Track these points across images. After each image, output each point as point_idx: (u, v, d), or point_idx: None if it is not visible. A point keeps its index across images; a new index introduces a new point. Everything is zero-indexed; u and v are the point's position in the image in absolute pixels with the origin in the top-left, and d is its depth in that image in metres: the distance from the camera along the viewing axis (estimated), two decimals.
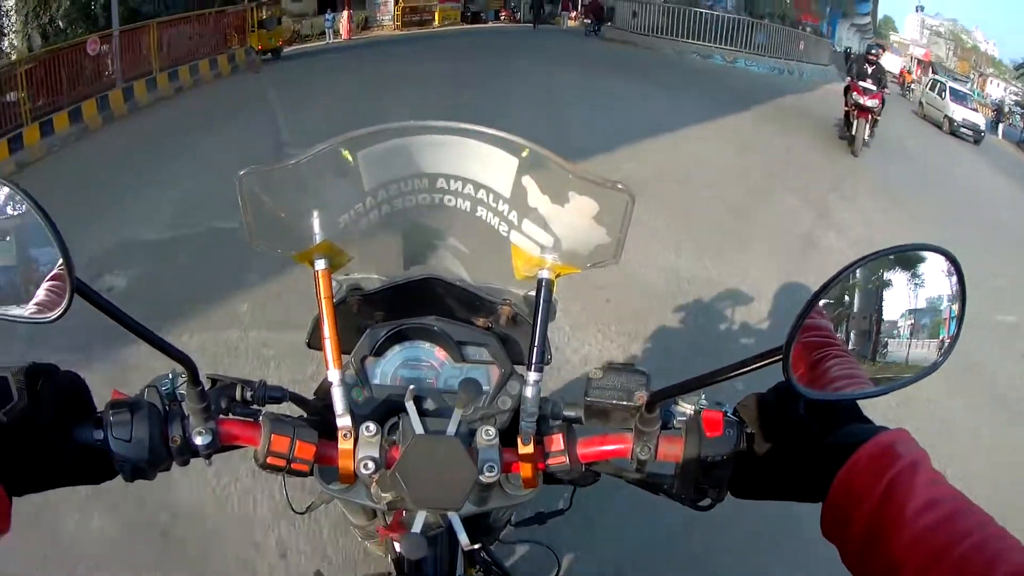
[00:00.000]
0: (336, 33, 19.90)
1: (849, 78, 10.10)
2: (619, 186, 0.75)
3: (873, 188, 8.46)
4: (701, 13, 19.11)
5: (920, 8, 26.87)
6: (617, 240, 0.78)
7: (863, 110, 9.54)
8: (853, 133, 9.73)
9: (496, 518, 1.01)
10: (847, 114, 9.98)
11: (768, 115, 11.52)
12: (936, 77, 19.75)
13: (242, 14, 13.99)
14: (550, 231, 0.80)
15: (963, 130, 15.74)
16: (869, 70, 9.68)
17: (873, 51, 10.13)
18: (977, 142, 15.62)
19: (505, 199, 0.81)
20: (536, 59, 14.01)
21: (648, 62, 16.05)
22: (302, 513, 1.03)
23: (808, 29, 21.77)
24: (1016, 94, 26.41)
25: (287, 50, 15.78)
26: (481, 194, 0.82)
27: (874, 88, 9.50)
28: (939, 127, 16.10)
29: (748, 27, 19.28)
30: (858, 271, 0.66)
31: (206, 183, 5.60)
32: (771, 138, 9.87)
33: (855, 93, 9.53)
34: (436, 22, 22.94)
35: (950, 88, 16.73)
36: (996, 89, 27.36)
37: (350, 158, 0.80)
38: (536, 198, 0.79)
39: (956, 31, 28.61)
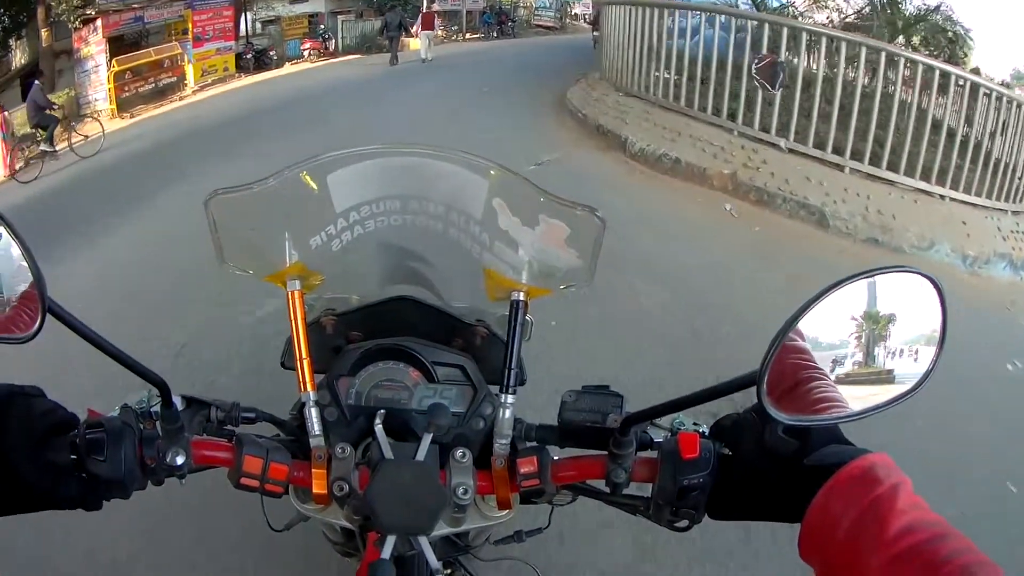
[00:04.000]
0: None
1: None
2: (589, 208, 0.76)
3: None
4: None
5: None
6: (589, 262, 0.79)
7: None
8: None
9: (475, 535, 1.00)
10: None
11: None
12: None
13: None
14: (522, 253, 0.81)
15: None
16: None
17: None
18: None
19: (476, 221, 0.82)
20: None
21: None
22: (280, 531, 1.01)
23: None
24: None
25: None
26: (453, 216, 0.83)
27: None
28: None
29: None
30: (836, 293, 0.65)
31: None
32: None
33: None
34: (191, 81, 13.38)
35: None
36: None
37: (319, 180, 0.80)
38: (507, 220, 0.80)
39: None
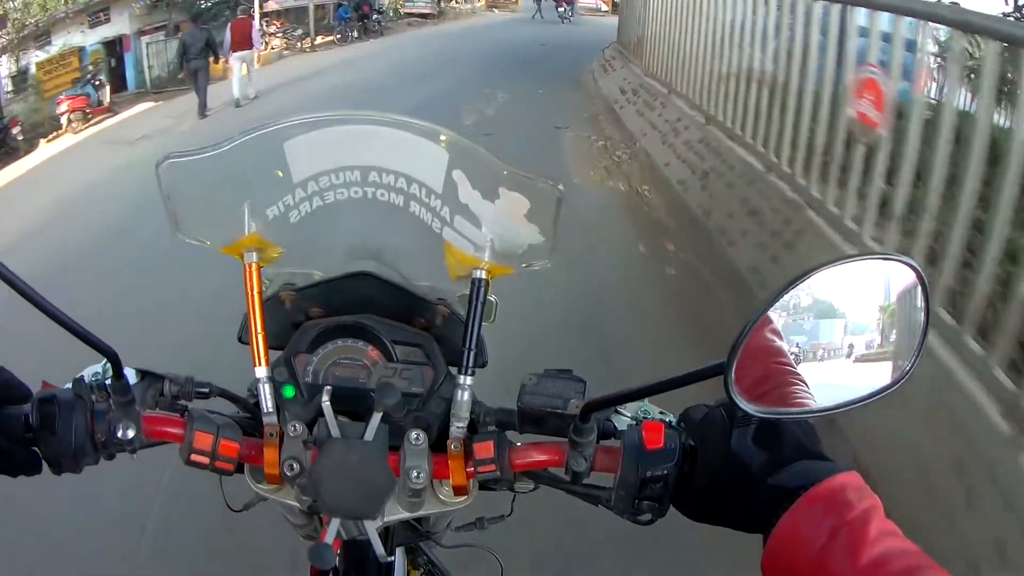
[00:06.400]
0: None
1: None
2: (549, 182, 0.75)
3: None
4: None
5: None
6: (550, 240, 0.78)
7: None
8: None
9: (435, 521, 0.98)
10: None
11: None
12: None
13: None
14: (483, 229, 0.80)
15: None
16: None
17: None
18: None
19: (437, 194, 0.80)
20: None
21: None
22: (238, 511, 0.99)
23: None
24: None
25: None
26: (414, 188, 0.81)
27: None
28: None
29: None
30: (811, 281, 0.62)
31: None
32: None
33: None
34: None
35: None
36: None
37: (276, 147, 0.79)
38: (467, 193, 0.78)
39: None
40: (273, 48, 13.74)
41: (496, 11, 25.01)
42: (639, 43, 6.62)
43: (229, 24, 11.12)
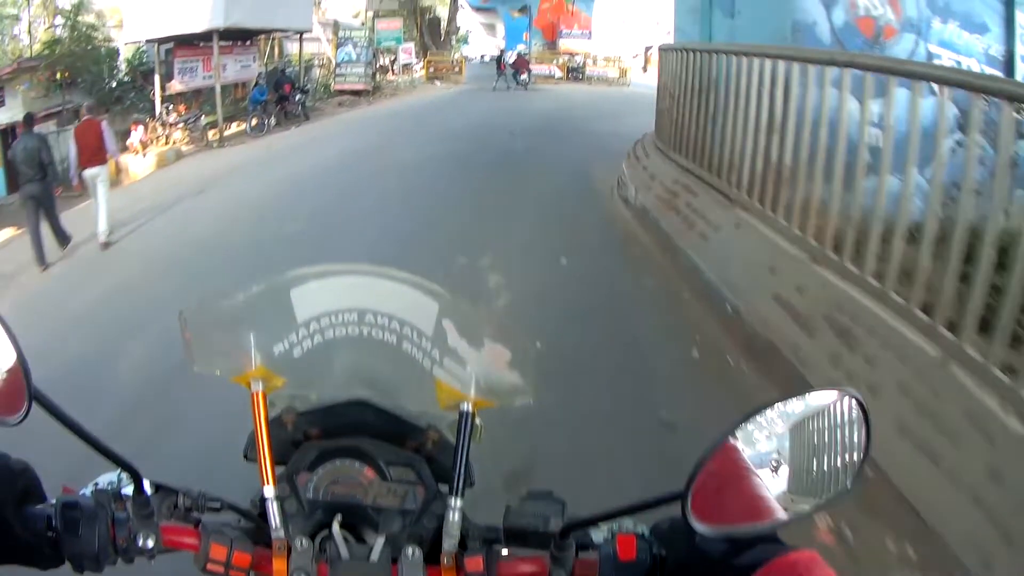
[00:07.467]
0: None
1: None
2: (528, 336, 0.85)
3: None
4: None
5: None
6: (531, 383, 0.88)
7: None
8: None
9: None
10: None
11: None
12: None
13: None
14: (469, 370, 0.89)
15: None
16: None
17: None
18: None
19: (428, 337, 0.89)
20: None
21: None
22: None
23: None
24: None
25: None
26: (406, 330, 0.90)
27: None
28: None
29: None
30: (769, 410, 0.71)
31: None
32: None
33: None
34: None
35: None
36: None
37: (283, 294, 0.89)
38: (455, 339, 0.88)
39: None
40: (173, 143, 10.84)
41: (438, 83, 23.12)
42: (778, 180, 3.87)
43: (72, 130, 8.27)
